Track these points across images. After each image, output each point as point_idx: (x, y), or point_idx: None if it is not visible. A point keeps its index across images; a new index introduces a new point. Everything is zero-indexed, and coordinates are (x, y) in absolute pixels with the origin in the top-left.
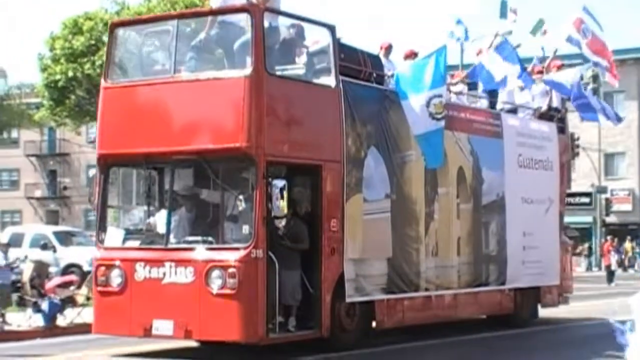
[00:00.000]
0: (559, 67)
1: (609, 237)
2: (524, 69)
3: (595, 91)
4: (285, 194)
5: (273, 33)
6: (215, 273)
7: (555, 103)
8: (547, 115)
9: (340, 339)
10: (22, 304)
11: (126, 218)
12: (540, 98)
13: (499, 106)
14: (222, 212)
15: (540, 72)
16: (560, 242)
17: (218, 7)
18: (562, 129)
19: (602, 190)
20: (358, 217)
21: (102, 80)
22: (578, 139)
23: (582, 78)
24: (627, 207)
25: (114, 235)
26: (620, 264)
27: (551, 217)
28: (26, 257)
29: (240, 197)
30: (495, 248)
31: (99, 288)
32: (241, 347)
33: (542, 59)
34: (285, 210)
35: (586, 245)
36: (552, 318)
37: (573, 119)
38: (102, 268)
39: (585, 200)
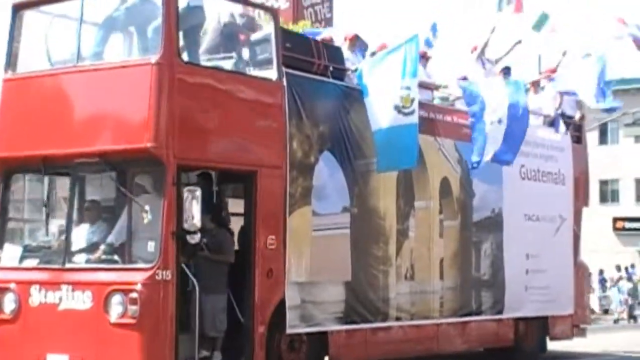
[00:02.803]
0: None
1: None
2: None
3: None
4: (199, 204)
5: (193, 14)
6: (116, 298)
7: (568, 110)
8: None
9: None
10: None
11: (28, 233)
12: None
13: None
14: (129, 226)
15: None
16: (575, 266)
17: None
18: (578, 139)
19: None
20: (305, 233)
21: (3, 71)
22: None
23: None
24: None
25: (11, 253)
26: None
27: (563, 237)
28: None
29: (147, 207)
30: (489, 271)
31: None
32: None
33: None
34: (199, 224)
35: None
36: (564, 352)
37: None
38: None
39: None
